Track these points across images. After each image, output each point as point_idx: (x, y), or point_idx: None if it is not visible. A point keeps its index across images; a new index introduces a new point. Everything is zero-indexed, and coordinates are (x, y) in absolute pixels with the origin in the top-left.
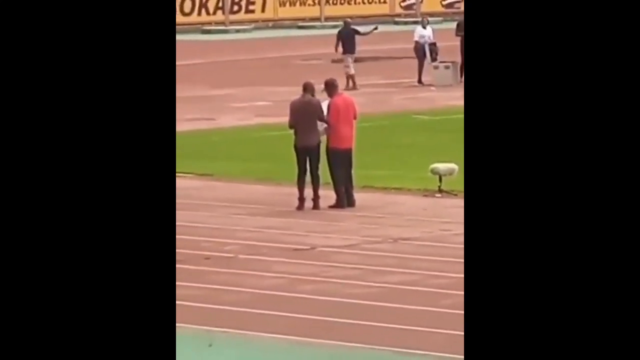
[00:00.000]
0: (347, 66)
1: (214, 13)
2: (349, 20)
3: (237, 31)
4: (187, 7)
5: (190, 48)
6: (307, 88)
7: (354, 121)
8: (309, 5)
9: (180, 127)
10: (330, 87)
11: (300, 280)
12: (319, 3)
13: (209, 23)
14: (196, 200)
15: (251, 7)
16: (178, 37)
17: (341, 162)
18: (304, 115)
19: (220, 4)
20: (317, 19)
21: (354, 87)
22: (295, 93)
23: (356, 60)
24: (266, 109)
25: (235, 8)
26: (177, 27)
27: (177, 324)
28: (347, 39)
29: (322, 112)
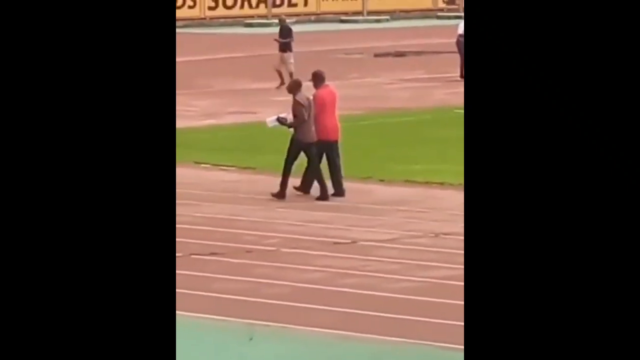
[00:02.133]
0: (292, 63)
1: (257, 6)
2: (284, 18)
3: None
4: (230, 0)
5: (232, 41)
6: (300, 85)
7: (337, 112)
8: None
9: (222, 120)
10: (317, 79)
11: (341, 274)
12: None
13: (252, 16)
14: (237, 193)
15: (294, 1)
16: (221, 30)
17: (329, 153)
18: (310, 111)
19: None
20: (360, 13)
21: (283, 83)
22: (337, 87)
23: (398, 55)
24: None
25: (278, 2)
26: (220, 20)
27: (218, 317)
28: (288, 37)
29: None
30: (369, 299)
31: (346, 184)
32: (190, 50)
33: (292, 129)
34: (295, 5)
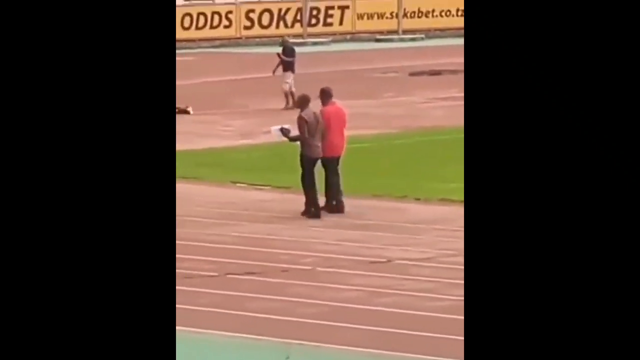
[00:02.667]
0: (288, 82)
1: (292, 26)
2: (287, 38)
3: (315, 44)
4: (266, 19)
5: (268, 61)
6: (308, 101)
7: (345, 130)
8: (386, 18)
9: (258, 140)
10: (325, 96)
11: (377, 293)
12: (397, 16)
13: (287, 36)
14: (273, 213)
15: (329, 20)
16: (256, 49)
17: (332, 170)
18: (317, 127)
19: (298, 17)
20: (395, 32)
21: (288, 104)
22: (372, 106)
23: (433, 74)
24: None
25: (314, 21)
26: (255, 39)
27: (253, 336)
28: (291, 56)
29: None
30: (405, 318)
31: (381, 203)
32: (225, 70)
33: (298, 144)
34: (330, 24)
